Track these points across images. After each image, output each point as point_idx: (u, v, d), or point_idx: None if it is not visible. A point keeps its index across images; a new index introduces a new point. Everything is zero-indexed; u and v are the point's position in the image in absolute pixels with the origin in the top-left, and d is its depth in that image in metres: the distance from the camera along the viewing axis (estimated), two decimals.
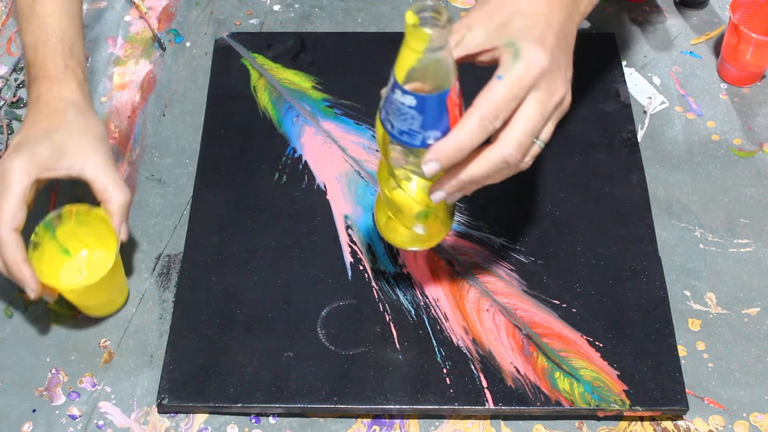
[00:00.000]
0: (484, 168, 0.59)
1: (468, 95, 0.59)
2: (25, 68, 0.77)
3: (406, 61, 0.55)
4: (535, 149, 0.60)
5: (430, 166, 0.58)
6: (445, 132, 0.57)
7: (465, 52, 0.60)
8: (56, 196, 0.82)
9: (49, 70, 0.73)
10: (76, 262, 0.75)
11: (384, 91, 0.59)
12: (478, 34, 0.60)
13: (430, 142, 0.57)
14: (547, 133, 0.61)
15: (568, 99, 0.61)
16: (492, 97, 0.57)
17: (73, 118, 0.72)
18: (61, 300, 0.72)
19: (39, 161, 0.69)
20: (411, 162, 0.59)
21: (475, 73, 0.61)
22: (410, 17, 0.53)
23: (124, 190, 0.71)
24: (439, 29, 0.53)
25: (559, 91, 0.60)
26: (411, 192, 0.64)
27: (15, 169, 0.69)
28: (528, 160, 0.60)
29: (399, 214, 0.66)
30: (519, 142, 0.58)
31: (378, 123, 0.59)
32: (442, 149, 0.57)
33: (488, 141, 0.59)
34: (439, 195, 0.61)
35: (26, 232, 0.78)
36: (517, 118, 0.58)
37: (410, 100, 0.55)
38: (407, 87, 0.55)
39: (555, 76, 0.59)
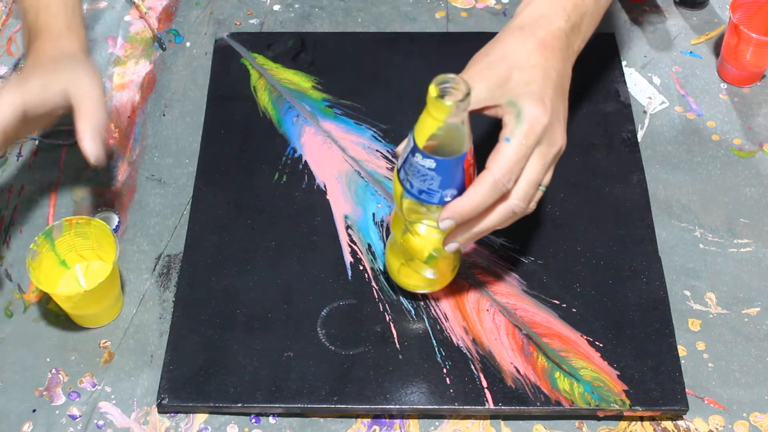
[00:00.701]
0: (494, 220, 0.63)
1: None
2: (23, 33, 0.76)
3: (427, 128, 0.58)
4: (538, 195, 0.64)
5: (446, 224, 0.62)
6: (461, 189, 0.61)
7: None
8: (56, 196, 0.82)
9: (51, 30, 0.73)
10: (74, 273, 0.75)
11: (400, 149, 0.63)
12: (480, 91, 0.62)
13: (447, 199, 0.61)
14: (548, 179, 0.65)
15: (565, 144, 0.65)
16: (503, 160, 0.60)
17: (70, 62, 0.72)
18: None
19: (27, 92, 0.69)
20: (425, 213, 0.63)
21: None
22: (433, 90, 0.57)
23: (102, 111, 0.70)
24: (458, 102, 0.56)
25: (558, 141, 0.63)
26: (422, 238, 0.67)
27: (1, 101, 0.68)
28: (532, 206, 0.64)
29: (411, 259, 0.69)
30: (525, 194, 0.62)
31: (396, 180, 0.63)
32: (458, 210, 0.61)
33: None
34: (453, 246, 0.65)
35: (27, 240, 0.79)
36: (524, 173, 0.62)
37: (430, 163, 0.59)
38: (427, 151, 0.59)
39: (555, 128, 0.63)
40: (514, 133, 0.61)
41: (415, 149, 0.59)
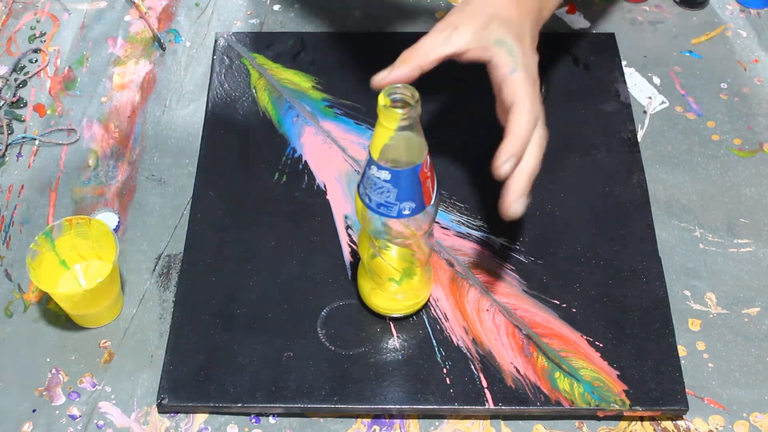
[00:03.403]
0: (536, 154, 0.65)
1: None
2: None
3: (380, 138, 0.59)
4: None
5: (508, 165, 0.63)
6: (419, 201, 0.61)
7: (453, 49, 0.66)
8: (56, 196, 0.82)
9: None
10: (74, 273, 0.75)
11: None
12: (464, 34, 0.66)
13: (405, 212, 0.61)
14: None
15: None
16: (524, 89, 0.64)
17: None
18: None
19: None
20: (389, 232, 0.63)
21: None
22: (382, 99, 0.58)
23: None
24: (409, 108, 0.57)
25: (535, 74, 0.67)
26: (390, 260, 0.67)
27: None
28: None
29: (379, 281, 0.69)
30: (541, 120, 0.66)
31: (357, 197, 0.63)
32: (510, 146, 0.63)
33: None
34: (520, 203, 0.65)
35: (27, 240, 0.79)
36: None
37: (385, 175, 0.60)
38: (381, 163, 0.59)
39: (534, 66, 0.67)
40: (516, 64, 0.64)
41: (370, 161, 0.60)
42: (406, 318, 0.73)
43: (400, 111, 0.57)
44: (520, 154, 0.63)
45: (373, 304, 0.72)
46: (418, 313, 0.73)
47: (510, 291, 0.75)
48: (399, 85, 0.58)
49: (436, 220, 0.74)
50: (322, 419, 0.70)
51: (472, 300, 0.74)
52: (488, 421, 0.69)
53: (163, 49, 0.94)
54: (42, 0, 0.99)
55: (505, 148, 0.63)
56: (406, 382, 0.70)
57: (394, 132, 0.58)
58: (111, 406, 0.70)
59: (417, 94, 0.58)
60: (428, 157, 0.61)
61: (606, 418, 0.69)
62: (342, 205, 0.80)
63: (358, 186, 0.63)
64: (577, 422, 0.69)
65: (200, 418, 0.70)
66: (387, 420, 0.70)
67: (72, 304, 0.71)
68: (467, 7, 0.68)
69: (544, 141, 0.66)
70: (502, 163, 0.63)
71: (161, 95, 0.90)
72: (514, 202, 0.65)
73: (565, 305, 0.74)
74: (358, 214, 0.64)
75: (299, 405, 0.69)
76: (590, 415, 0.69)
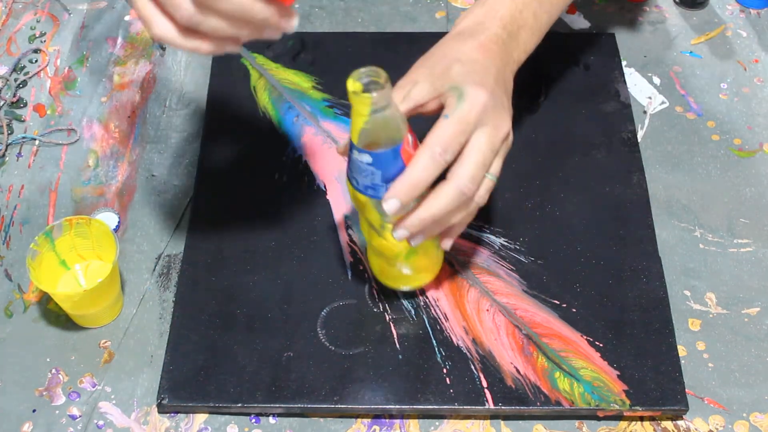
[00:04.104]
0: (441, 203, 0.61)
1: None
2: None
3: (356, 123, 0.59)
4: (488, 183, 0.64)
5: (390, 204, 0.60)
6: None
7: (413, 104, 0.64)
8: (56, 196, 0.82)
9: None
10: (74, 273, 0.75)
11: (340, 150, 0.66)
12: (423, 87, 0.64)
13: None
14: (496, 167, 0.64)
15: (512, 137, 0.65)
16: (440, 133, 0.61)
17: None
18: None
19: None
20: (381, 213, 0.62)
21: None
22: (351, 85, 0.57)
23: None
24: (379, 91, 0.57)
25: (504, 126, 0.63)
26: (391, 239, 0.66)
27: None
28: (483, 194, 0.64)
29: (386, 259, 0.69)
30: (471, 173, 0.61)
31: (347, 181, 0.63)
32: (398, 186, 0.60)
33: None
34: (401, 233, 0.63)
35: (27, 240, 0.79)
36: (468, 151, 0.62)
37: (367, 158, 0.60)
38: (363, 146, 0.59)
39: (499, 112, 0.63)
40: (454, 110, 0.61)
41: (352, 146, 0.60)
42: (414, 294, 0.74)
43: (370, 95, 0.56)
44: (404, 198, 0.60)
45: (385, 281, 0.73)
46: (418, 313, 0.73)
47: (510, 291, 0.75)
48: (365, 68, 0.57)
49: None
50: (322, 419, 0.70)
51: (472, 300, 0.74)
52: (488, 421, 0.69)
53: (163, 49, 0.94)
54: (42, 0, 0.99)
55: (390, 188, 0.60)
56: (406, 382, 0.70)
57: (369, 116, 0.58)
58: (111, 406, 0.70)
59: (385, 74, 0.57)
60: (410, 135, 0.60)
61: (606, 418, 0.69)
62: (342, 205, 0.80)
63: (347, 171, 0.63)
64: (577, 422, 0.69)
65: (200, 418, 0.70)
66: (387, 420, 0.70)
67: (72, 304, 0.71)
68: (430, 57, 0.66)
69: (456, 194, 0.61)
70: (384, 200, 0.61)
71: (161, 95, 0.90)
72: (397, 229, 0.63)
73: (565, 305, 0.74)
74: (351, 196, 0.64)
75: (299, 405, 0.69)
76: (590, 415, 0.69)
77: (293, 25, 0.59)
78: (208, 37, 0.57)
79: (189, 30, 0.57)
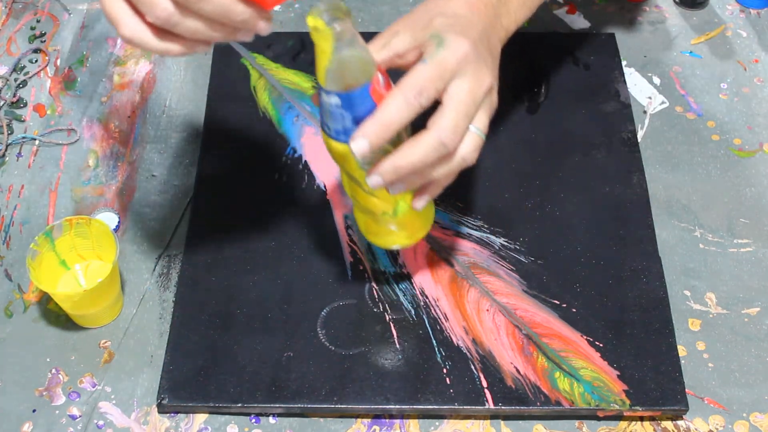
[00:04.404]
0: (419, 150, 0.58)
1: None
2: None
3: (321, 63, 0.56)
4: (475, 139, 0.60)
5: (358, 143, 0.57)
6: None
7: (392, 53, 0.61)
8: (56, 196, 0.82)
9: None
10: (74, 273, 0.75)
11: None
12: (403, 36, 0.61)
13: None
14: (481, 122, 0.60)
15: (496, 96, 0.62)
16: (416, 75, 0.57)
17: None
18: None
19: None
20: (358, 159, 0.59)
21: None
22: (311, 21, 0.54)
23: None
24: (339, 22, 0.54)
25: (486, 80, 0.60)
26: (376, 192, 0.64)
27: None
28: (469, 150, 0.60)
29: (371, 215, 0.66)
30: (453, 123, 0.58)
31: (322, 132, 0.60)
32: (367, 125, 0.57)
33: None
34: (374, 179, 0.60)
35: (27, 240, 0.79)
36: (447, 100, 0.58)
37: (335, 100, 0.57)
38: (330, 88, 0.56)
39: (480, 66, 0.60)
40: (433, 56, 0.58)
41: (320, 89, 0.57)
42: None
43: (332, 28, 0.54)
44: (375, 141, 0.57)
45: (372, 240, 0.70)
46: (418, 313, 0.73)
47: (510, 291, 0.75)
48: (324, 3, 0.54)
49: (436, 219, 0.74)
50: (322, 419, 0.70)
51: (472, 300, 0.74)
52: (488, 421, 0.69)
53: None
54: (42, 0, 0.99)
55: (359, 127, 0.57)
56: (406, 382, 0.70)
57: (332, 54, 0.55)
58: (111, 406, 0.70)
59: (345, 7, 0.54)
60: (381, 74, 0.58)
61: (606, 418, 0.69)
62: (342, 205, 0.80)
63: (320, 120, 0.60)
64: (577, 422, 0.69)
65: (200, 418, 0.70)
66: (387, 420, 0.70)
67: (72, 304, 0.71)
68: (415, 12, 0.63)
69: (436, 143, 0.58)
70: (351, 139, 0.57)
71: (161, 95, 0.90)
72: (371, 175, 0.60)
73: (565, 305, 0.74)
74: (328, 149, 0.61)
75: (299, 405, 0.69)
76: (590, 415, 0.69)
77: (269, 27, 0.57)
78: (181, 39, 0.56)
79: (163, 31, 0.55)
